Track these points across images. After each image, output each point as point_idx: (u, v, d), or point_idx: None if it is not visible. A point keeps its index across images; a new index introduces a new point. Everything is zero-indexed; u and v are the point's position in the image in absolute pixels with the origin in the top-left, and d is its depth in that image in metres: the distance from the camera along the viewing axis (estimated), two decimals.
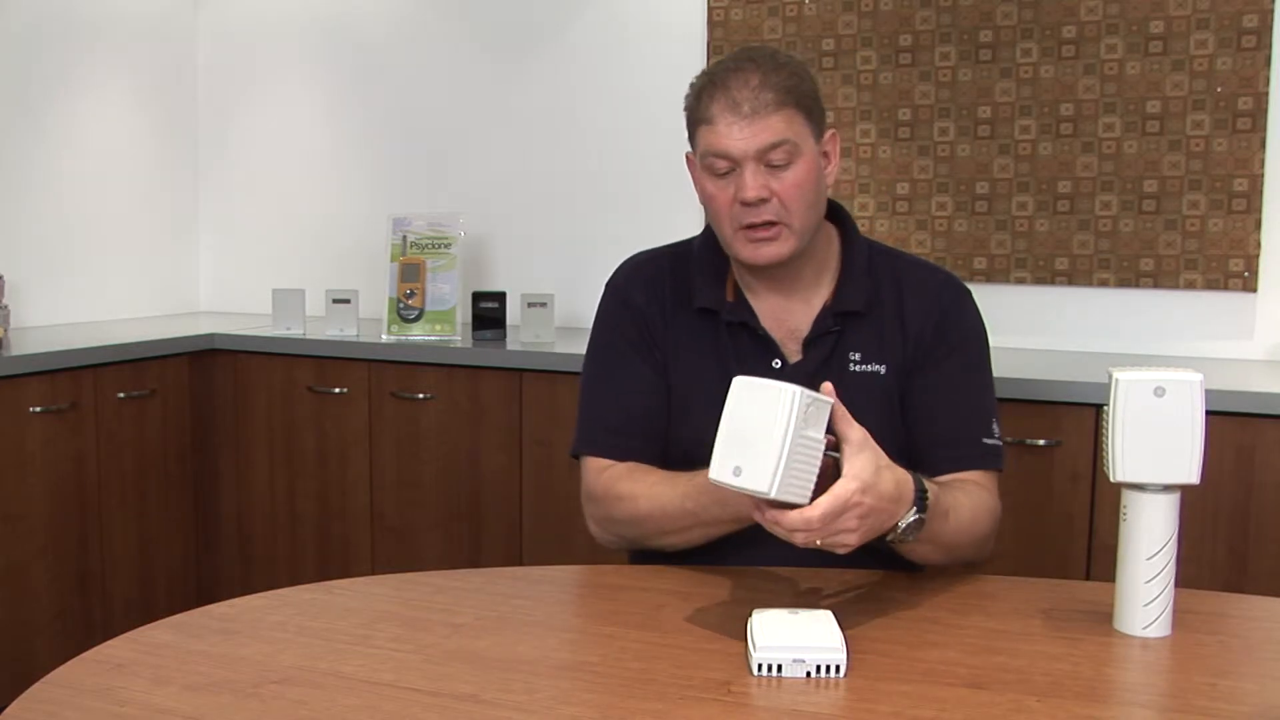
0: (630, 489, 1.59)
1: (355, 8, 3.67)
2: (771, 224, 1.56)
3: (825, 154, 1.62)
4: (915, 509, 1.35)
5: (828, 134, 1.62)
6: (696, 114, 1.59)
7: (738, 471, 1.23)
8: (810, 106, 1.57)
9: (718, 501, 1.45)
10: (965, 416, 1.61)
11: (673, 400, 1.66)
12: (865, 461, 1.28)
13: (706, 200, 1.60)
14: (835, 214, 1.70)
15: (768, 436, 1.21)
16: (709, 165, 1.58)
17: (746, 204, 1.55)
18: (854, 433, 1.30)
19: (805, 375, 1.61)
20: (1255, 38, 2.70)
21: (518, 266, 3.50)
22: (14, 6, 3.33)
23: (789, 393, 1.22)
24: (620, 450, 1.64)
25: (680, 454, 1.62)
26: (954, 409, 1.61)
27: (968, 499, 1.51)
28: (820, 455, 1.25)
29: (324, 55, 3.73)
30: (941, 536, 1.44)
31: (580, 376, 1.74)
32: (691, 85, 1.60)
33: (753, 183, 1.54)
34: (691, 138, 1.62)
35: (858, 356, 1.63)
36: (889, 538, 1.36)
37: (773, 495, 1.21)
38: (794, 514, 1.24)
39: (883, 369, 1.62)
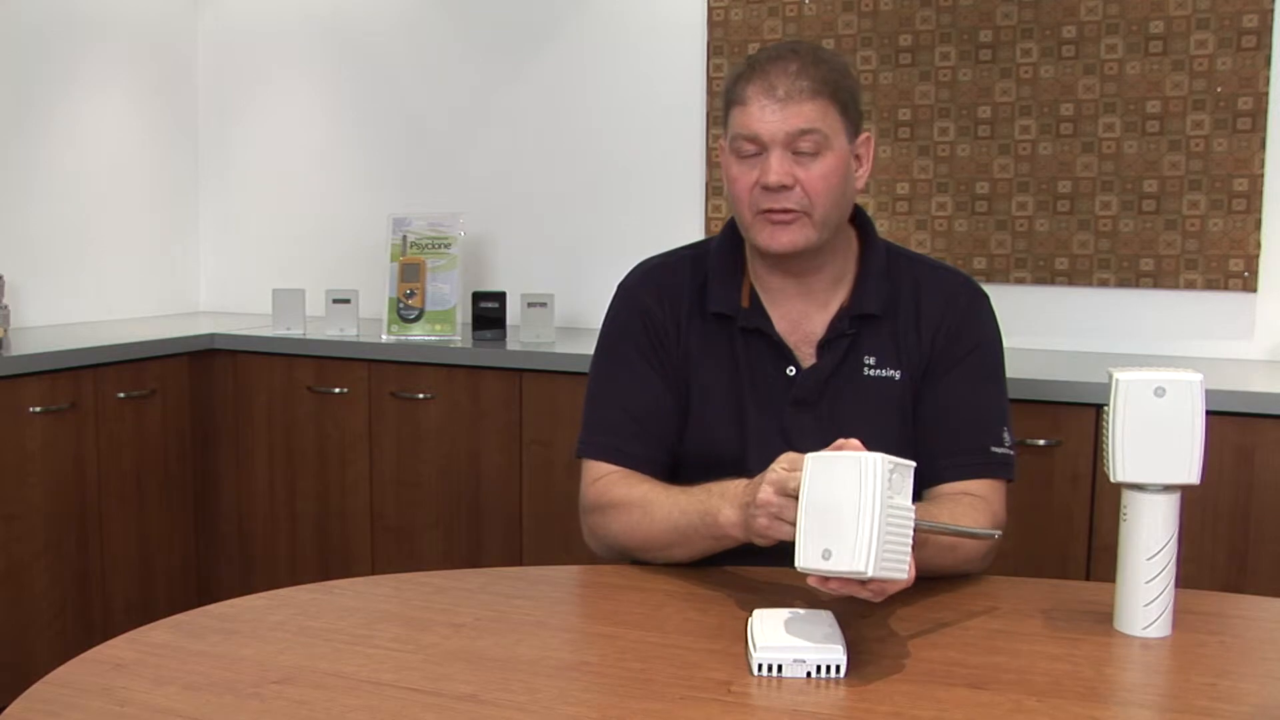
0: (623, 497, 1.57)
1: (355, 8, 3.67)
2: (791, 210, 1.54)
3: (857, 156, 1.60)
4: None
5: (862, 136, 1.60)
6: (731, 95, 1.57)
7: (827, 555, 1.16)
8: (847, 102, 1.56)
9: (706, 524, 1.43)
10: (972, 425, 1.59)
11: (685, 405, 1.65)
12: None
13: (730, 183, 1.59)
14: (855, 216, 1.67)
15: (855, 512, 1.15)
16: (737, 147, 1.56)
17: (768, 189, 1.53)
18: None
19: (819, 380, 1.61)
20: (1255, 38, 2.70)
21: (518, 266, 3.50)
22: (15, 7, 3.33)
23: (872, 461, 1.16)
24: (620, 456, 1.62)
25: (691, 460, 1.62)
26: (960, 417, 1.59)
27: (949, 517, 1.47)
28: (911, 524, 1.19)
29: (324, 55, 3.73)
30: (917, 562, 1.43)
31: (587, 378, 1.73)
32: (732, 69, 1.60)
33: (777, 167, 1.52)
34: (725, 121, 1.60)
35: (872, 361, 1.61)
36: None
37: (870, 574, 1.15)
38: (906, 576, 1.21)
39: (897, 374, 1.61)
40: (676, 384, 1.65)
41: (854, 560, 1.14)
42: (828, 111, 1.53)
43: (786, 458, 1.32)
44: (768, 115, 1.52)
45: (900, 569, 1.19)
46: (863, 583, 1.19)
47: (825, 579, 1.19)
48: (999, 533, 1.45)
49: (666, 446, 1.63)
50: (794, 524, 1.21)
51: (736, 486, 1.41)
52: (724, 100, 1.60)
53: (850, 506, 1.15)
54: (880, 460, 1.17)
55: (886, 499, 1.16)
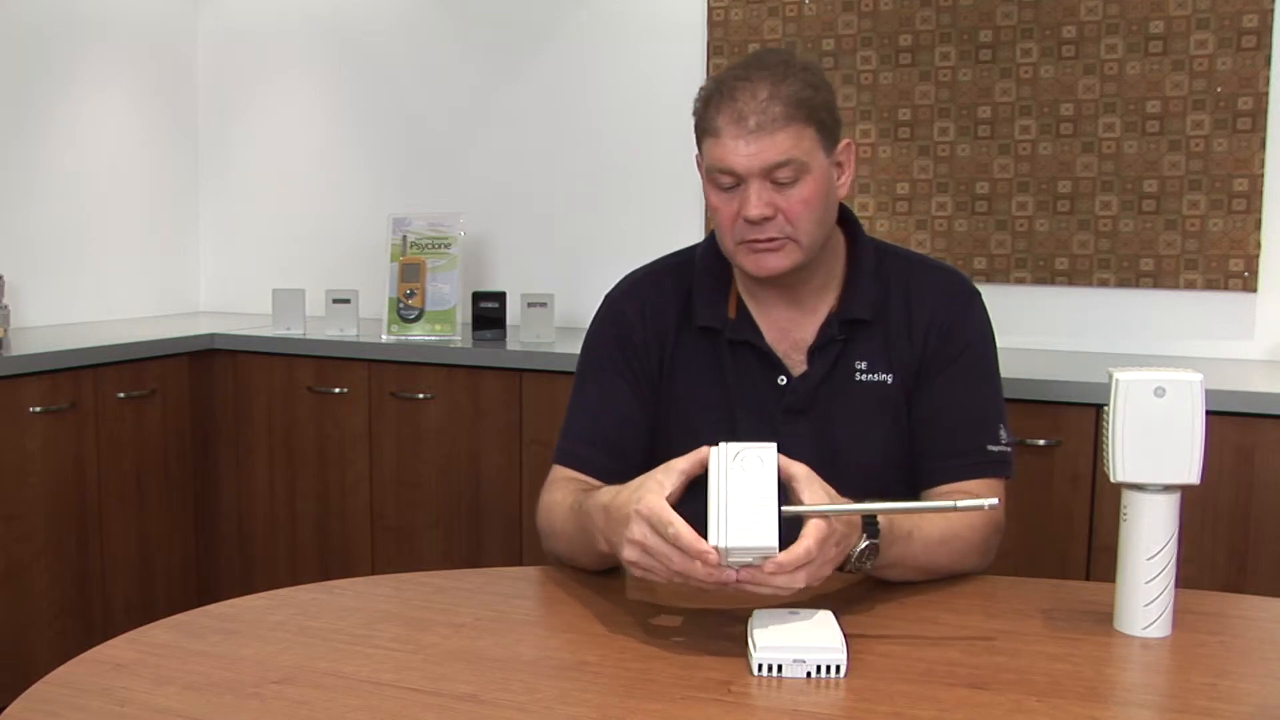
0: (549, 498, 1.59)
1: (355, 8, 3.67)
2: (774, 238, 1.53)
3: (839, 164, 1.57)
4: (866, 535, 1.33)
5: (842, 144, 1.57)
6: (703, 123, 1.54)
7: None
8: (822, 119, 1.52)
9: (582, 529, 1.42)
10: (967, 425, 1.58)
11: (674, 419, 1.63)
12: (819, 492, 1.26)
13: (711, 211, 1.57)
14: (842, 216, 1.65)
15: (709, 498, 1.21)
16: (713, 179, 1.54)
17: (750, 221, 1.51)
18: (798, 469, 1.27)
19: (810, 388, 1.60)
20: (1255, 38, 2.70)
21: (518, 266, 3.50)
22: (15, 7, 3.33)
23: (714, 450, 1.24)
24: (583, 465, 1.62)
25: None
26: (955, 417, 1.58)
27: (941, 516, 1.47)
28: (774, 499, 1.20)
29: (324, 55, 3.73)
30: (908, 559, 1.41)
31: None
32: (701, 90, 1.56)
33: (756, 201, 1.50)
34: (699, 145, 1.57)
35: (864, 365, 1.60)
36: (845, 567, 1.34)
37: (722, 545, 1.18)
38: (797, 550, 1.19)
39: (889, 378, 1.60)
40: (652, 398, 1.64)
41: (712, 538, 1.19)
42: (802, 135, 1.49)
43: (665, 470, 1.29)
44: (741, 149, 1.49)
45: (763, 536, 1.18)
46: (760, 566, 1.20)
47: (736, 574, 1.21)
48: (987, 504, 1.25)
49: (630, 458, 1.60)
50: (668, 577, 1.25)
51: (617, 498, 1.32)
52: (695, 124, 1.56)
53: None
54: (722, 447, 1.24)
55: (731, 477, 1.21)
